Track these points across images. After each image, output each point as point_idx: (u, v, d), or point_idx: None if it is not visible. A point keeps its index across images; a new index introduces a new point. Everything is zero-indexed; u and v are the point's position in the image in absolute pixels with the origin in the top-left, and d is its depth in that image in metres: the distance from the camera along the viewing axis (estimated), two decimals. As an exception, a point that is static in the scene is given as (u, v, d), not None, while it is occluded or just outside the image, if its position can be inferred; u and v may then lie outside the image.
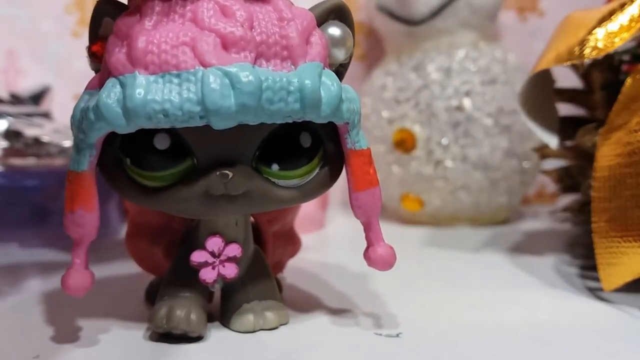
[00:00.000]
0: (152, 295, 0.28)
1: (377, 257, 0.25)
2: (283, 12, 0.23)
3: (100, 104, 0.21)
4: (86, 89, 0.23)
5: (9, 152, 0.42)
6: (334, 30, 0.24)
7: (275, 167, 0.24)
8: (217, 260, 0.25)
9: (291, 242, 0.31)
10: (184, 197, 0.23)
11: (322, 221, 0.52)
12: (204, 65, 0.21)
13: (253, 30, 0.22)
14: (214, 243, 0.25)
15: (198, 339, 0.24)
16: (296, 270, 0.35)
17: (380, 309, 0.28)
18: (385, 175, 0.53)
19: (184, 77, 0.21)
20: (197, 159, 0.23)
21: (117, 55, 0.21)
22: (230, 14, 0.22)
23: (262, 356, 0.23)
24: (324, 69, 0.23)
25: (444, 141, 0.50)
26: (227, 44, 0.21)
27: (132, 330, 0.26)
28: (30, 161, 0.42)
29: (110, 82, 0.21)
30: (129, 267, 0.36)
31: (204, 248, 0.25)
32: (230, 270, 0.25)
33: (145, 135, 0.22)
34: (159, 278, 0.29)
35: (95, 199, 0.23)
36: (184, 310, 0.24)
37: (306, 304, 0.29)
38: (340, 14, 0.25)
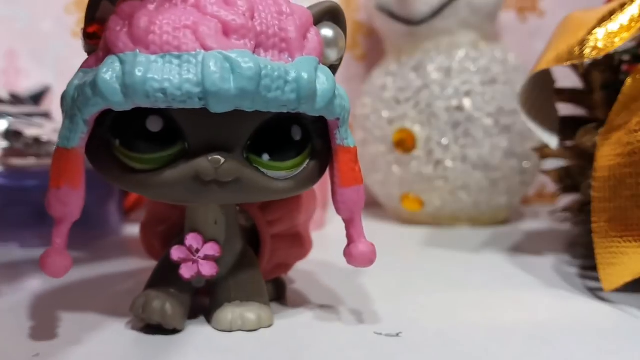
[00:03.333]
0: None
1: (359, 253, 0.25)
2: (282, 6, 0.23)
3: (98, 79, 0.21)
4: (81, 67, 0.23)
5: (9, 152, 0.42)
6: (327, 32, 0.25)
7: (265, 157, 0.24)
8: (195, 257, 0.25)
9: (298, 245, 0.30)
10: (172, 180, 0.23)
11: (322, 221, 0.52)
12: (205, 48, 0.21)
13: (254, 20, 0.22)
14: (193, 239, 0.25)
15: (174, 331, 0.25)
16: (296, 269, 0.35)
17: (380, 309, 0.28)
18: (385, 175, 0.53)
19: (185, 59, 0.21)
20: (188, 143, 0.23)
21: (118, 34, 0.22)
22: (232, 3, 0.22)
23: (262, 355, 0.23)
24: (319, 64, 0.24)
25: (444, 141, 0.50)
26: (228, 31, 0.22)
27: (131, 329, 0.26)
28: (30, 161, 0.42)
29: (110, 59, 0.21)
30: (128, 267, 0.36)
31: (183, 244, 0.25)
32: (209, 269, 0.25)
33: (138, 117, 0.22)
34: None
35: (82, 177, 0.23)
36: (160, 302, 0.24)
37: (306, 303, 0.29)
38: (334, 16, 0.26)
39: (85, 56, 0.24)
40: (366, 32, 0.66)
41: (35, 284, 0.33)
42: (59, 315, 0.28)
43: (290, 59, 0.23)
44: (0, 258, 0.39)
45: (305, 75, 0.22)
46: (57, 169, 0.23)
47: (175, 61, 0.21)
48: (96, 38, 0.23)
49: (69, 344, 0.24)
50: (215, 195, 0.23)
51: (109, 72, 0.21)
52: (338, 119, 0.24)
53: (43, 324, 0.26)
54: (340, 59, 0.26)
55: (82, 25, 0.24)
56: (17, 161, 0.42)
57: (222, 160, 0.22)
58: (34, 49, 0.62)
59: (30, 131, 0.43)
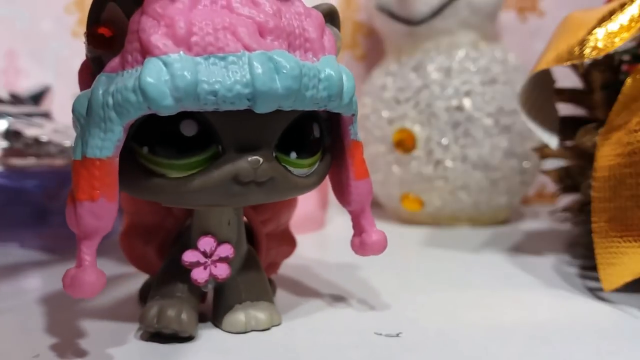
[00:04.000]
0: (146, 295, 0.28)
1: (373, 242, 0.26)
2: (299, 7, 0.24)
3: (144, 83, 0.20)
4: (103, 71, 0.22)
5: (9, 152, 0.42)
6: None
7: (293, 155, 0.24)
8: (208, 260, 0.25)
9: (286, 243, 0.31)
10: (211, 184, 0.22)
11: (322, 221, 0.52)
12: (248, 49, 0.21)
13: (282, 21, 0.23)
14: (206, 243, 0.25)
15: (189, 338, 0.24)
16: (296, 270, 0.35)
17: (380, 309, 0.28)
18: (385, 175, 0.53)
19: (230, 60, 0.21)
20: (222, 146, 0.23)
21: (156, 35, 0.21)
22: (259, 4, 0.23)
23: (262, 356, 0.23)
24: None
25: (444, 141, 0.50)
26: (263, 31, 0.22)
27: (130, 330, 0.26)
28: (30, 161, 0.42)
29: (151, 62, 0.21)
30: (128, 267, 0.36)
31: (195, 248, 0.25)
32: (222, 271, 0.25)
33: (169, 122, 0.22)
34: (153, 278, 0.29)
35: (117, 189, 0.21)
36: (174, 310, 0.24)
37: (306, 303, 0.29)
38: (332, 18, 0.26)
39: (81, 55, 0.24)
40: (366, 32, 0.66)
41: (35, 284, 0.33)
42: (59, 315, 0.28)
43: (314, 59, 0.23)
44: (0, 258, 0.39)
45: (334, 74, 0.23)
46: (89, 180, 0.21)
47: (221, 62, 0.21)
48: (104, 40, 0.22)
49: (69, 344, 0.24)
50: (254, 196, 0.23)
51: (154, 75, 0.20)
52: (354, 114, 0.25)
53: (43, 324, 0.26)
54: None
55: (85, 28, 0.23)
56: (17, 161, 0.42)
57: (261, 160, 0.23)
58: (34, 49, 0.62)
59: (30, 131, 0.43)
